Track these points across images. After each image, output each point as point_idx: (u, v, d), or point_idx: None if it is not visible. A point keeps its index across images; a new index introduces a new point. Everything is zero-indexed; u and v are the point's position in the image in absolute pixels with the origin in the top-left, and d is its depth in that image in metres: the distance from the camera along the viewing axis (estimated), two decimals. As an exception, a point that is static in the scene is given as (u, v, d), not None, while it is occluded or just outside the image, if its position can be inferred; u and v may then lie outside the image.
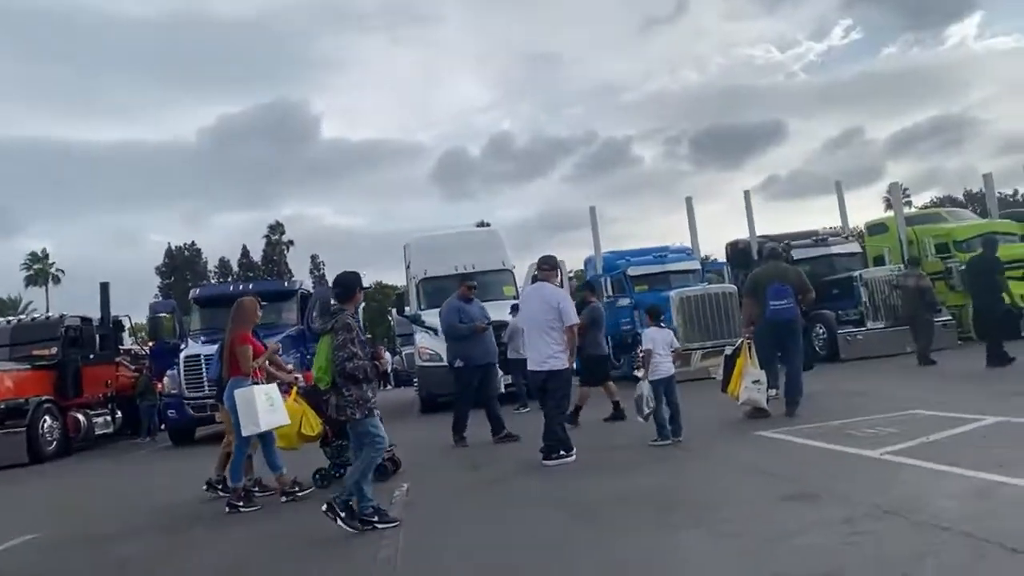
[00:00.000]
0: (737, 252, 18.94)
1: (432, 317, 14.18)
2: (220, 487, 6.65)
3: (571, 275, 42.49)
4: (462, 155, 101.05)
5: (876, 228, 19.22)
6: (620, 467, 6.19)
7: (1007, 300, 11.41)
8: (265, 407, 5.93)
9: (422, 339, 14.18)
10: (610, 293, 16.95)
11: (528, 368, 7.25)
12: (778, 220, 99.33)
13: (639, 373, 7.08)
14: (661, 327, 7.40)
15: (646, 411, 6.94)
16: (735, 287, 14.74)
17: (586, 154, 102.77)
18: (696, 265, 17.18)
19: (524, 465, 6.84)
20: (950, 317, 15.27)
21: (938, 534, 3.48)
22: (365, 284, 7.09)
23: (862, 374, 11.75)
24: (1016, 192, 44.83)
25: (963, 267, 15.94)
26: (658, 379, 7.02)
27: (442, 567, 4.05)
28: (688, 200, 18.13)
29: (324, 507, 4.82)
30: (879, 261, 17.42)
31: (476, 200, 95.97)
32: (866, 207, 64.09)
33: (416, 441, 10.06)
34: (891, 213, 18.98)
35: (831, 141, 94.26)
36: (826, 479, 4.86)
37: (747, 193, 18.32)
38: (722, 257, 22.96)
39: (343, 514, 4.74)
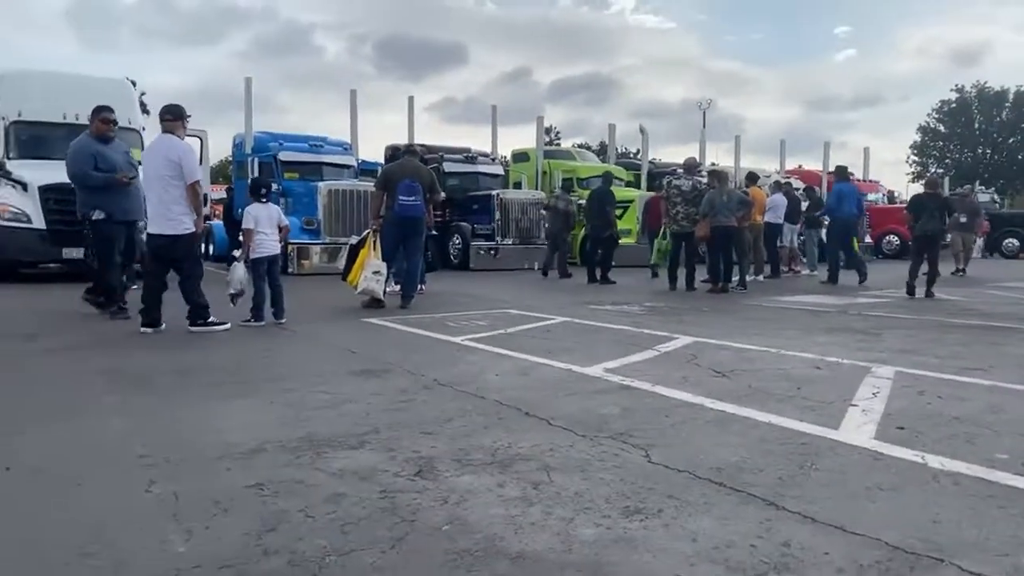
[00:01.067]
0: (396, 155, 19.22)
1: (23, 169, 11.80)
2: None
3: (229, 158, 39.10)
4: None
5: (519, 156, 21.01)
6: (200, 344, 5.72)
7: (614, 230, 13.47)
8: None
9: (5, 194, 11.62)
10: (257, 175, 15.84)
11: (148, 231, 6.39)
12: (452, 141, 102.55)
13: (237, 253, 6.58)
14: (264, 203, 6.92)
15: (232, 291, 6.53)
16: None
17: (263, 32, 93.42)
18: (352, 161, 16.84)
19: (97, 338, 5.97)
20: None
21: (474, 401, 3.77)
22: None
23: (484, 281, 12.76)
24: (637, 152, 52.73)
25: (582, 201, 18.24)
26: (261, 257, 6.64)
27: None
28: (352, 93, 17.51)
29: None
30: (518, 186, 19.06)
31: (124, 54, 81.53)
32: (525, 141, 70.14)
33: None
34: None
35: (505, 75, 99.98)
36: (403, 359, 5.03)
37: (411, 99, 18.45)
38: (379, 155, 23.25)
39: None
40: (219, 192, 21.48)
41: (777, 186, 14.85)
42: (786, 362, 4.91)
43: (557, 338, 6.06)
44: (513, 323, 6.91)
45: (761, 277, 13.12)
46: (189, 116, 6.80)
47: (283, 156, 15.55)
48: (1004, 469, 2.71)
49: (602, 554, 2.02)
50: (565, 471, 2.71)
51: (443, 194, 9.09)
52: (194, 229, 6.22)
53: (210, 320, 6.29)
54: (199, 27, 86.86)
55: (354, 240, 8.47)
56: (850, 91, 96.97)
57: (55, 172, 11.49)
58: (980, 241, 14.29)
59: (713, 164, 32.63)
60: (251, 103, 16.26)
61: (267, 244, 6.70)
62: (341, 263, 13.41)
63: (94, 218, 6.99)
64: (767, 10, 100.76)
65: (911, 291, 9.88)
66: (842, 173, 13.08)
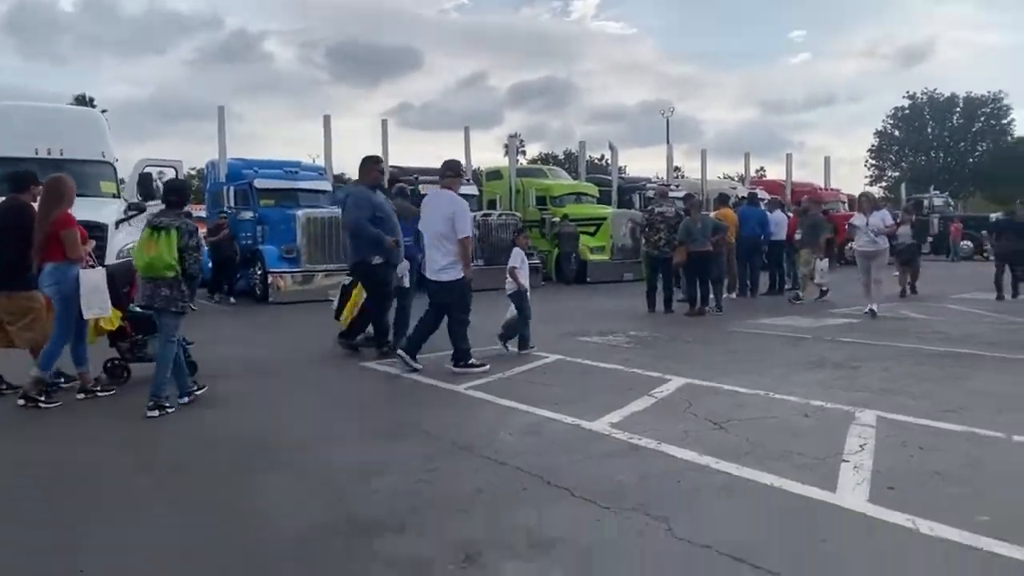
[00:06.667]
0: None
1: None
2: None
3: (192, 172, 38.65)
4: (47, 4, 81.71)
5: (493, 175, 21.32)
6: (223, 401, 5.87)
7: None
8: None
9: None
10: (232, 204, 15.90)
11: (427, 275, 7.03)
12: (408, 148, 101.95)
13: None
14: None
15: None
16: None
17: (211, 40, 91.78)
18: (327, 186, 16.95)
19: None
20: (539, 261, 17.72)
21: (496, 469, 4.02)
22: None
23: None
24: (603, 157, 53.24)
25: (557, 219, 18.60)
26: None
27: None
28: (326, 118, 17.66)
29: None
30: (493, 204, 19.35)
31: (68, 66, 79.34)
32: (484, 148, 70.79)
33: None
34: (506, 162, 21.17)
35: (462, 80, 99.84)
36: (416, 414, 5.26)
37: (384, 122, 18.71)
38: (353, 175, 23.34)
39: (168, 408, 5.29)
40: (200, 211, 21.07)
41: (776, 204, 15.57)
42: (775, 408, 5.24)
43: (555, 383, 6.33)
44: (509, 364, 7.16)
45: (734, 295, 13.56)
46: (465, 175, 7.24)
47: (258, 183, 15.60)
48: (987, 534, 3.04)
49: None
50: (601, 554, 2.97)
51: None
52: (462, 276, 6.73)
53: (471, 362, 6.76)
54: (144, 35, 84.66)
55: (347, 281, 8.61)
56: (804, 93, 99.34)
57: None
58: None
59: (678, 170, 33.12)
60: (224, 132, 16.31)
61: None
62: (315, 286, 13.80)
63: (374, 263, 7.42)
64: (724, 15, 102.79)
65: (1000, 296, 12.64)
66: (752, 199, 15.14)
